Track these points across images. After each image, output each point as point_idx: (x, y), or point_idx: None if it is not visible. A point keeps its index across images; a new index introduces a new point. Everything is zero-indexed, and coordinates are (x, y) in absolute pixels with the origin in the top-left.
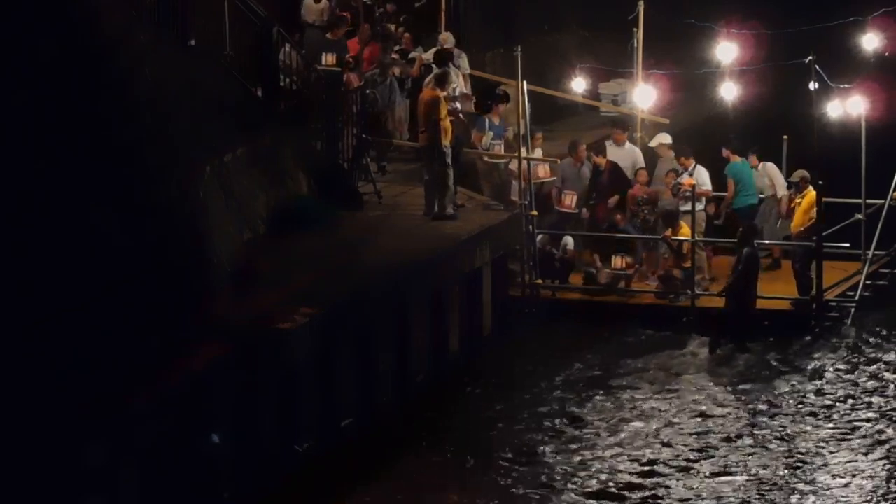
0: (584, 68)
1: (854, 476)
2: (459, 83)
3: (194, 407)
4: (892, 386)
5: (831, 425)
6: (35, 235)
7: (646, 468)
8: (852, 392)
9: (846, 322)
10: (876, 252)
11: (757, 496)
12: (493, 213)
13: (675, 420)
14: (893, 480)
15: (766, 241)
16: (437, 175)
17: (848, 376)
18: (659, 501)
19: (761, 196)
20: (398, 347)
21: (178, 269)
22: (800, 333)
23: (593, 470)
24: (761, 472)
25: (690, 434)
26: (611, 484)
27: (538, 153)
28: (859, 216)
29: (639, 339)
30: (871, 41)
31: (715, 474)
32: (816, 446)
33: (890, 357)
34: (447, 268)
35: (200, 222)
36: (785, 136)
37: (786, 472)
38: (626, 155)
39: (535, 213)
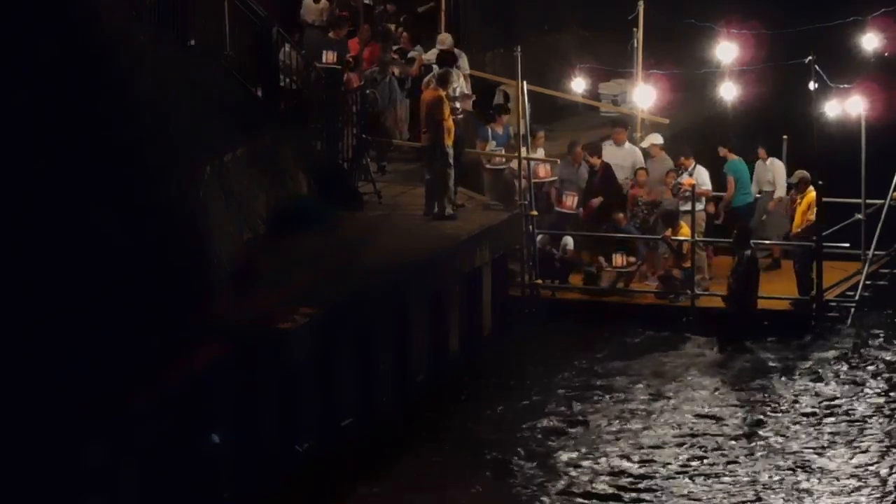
0: (584, 68)
1: (854, 477)
2: (461, 83)
3: (194, 407)
4: (892, 386)
5: (831, 425)
6: (35, 235)
7: (645, 469)
8: (852, 392)
9: (846, 322)
10: (876, 252)
11: (756, 497)
12: (493, 213)
13: (675, 420)
14: (893, 481)
15: (767, 242)
16: (438, 175)
17: (848, 376)
18: (659, 502)
19: (757, 196)
20: (398, 347)
21: (178, 269)
22: (800, 333)
23: (593, 470)
24: (760, 472)
25: (690, 434)
26: (610, 484)
27: (540, 153)
28: (859, 216)
29: (639, 339)
30: (870, 41)
31: (714, 475)
32: (816, 447)
33: (890, 357)
34: (447, 268)
35: (200, 222)
36: (785, 136)
37: (785, 472)
38: (626, 155)
39: (535, 213)
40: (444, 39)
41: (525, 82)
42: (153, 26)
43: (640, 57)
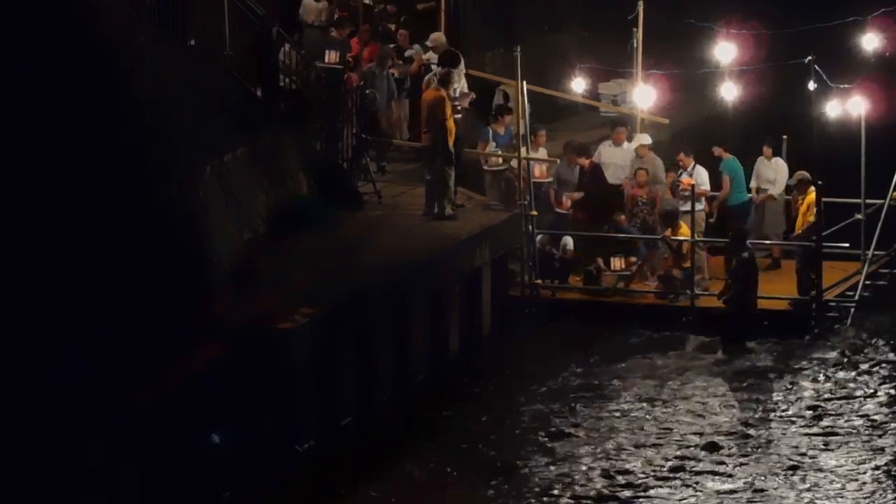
0: (584, 68)
1: (853, 477)
2: (462, 83)
3: (194, 407)
4: (892, 386)
5: (831, 426)
6: (35, 235)
7: (645, 469)
8: (852, 392)
9: (846, 322)
10: (876, 252)
11: (756, 498)
12: (493, 213)
13: (675, 421)
14: (892, 481)
15: (766, 242)
16: (438, 175)
17: (847, 376)
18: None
19: (750, 195)
20: (398, 347)
21: (178, 269)
22: (799, 333)
23: (592, 471)
24: (760, 472)
25: (689, 435)
26: (610, 485)
27: (542, 152)
28: (859, 216)
29: (639, 339)
30: (870, 41)
31: (714, 474)
32: (816, 447)
33: (889, 357)
34: (447, 268)
35: (200, 222)
36: (785, 136)
37: (785, 472)
38: (625, 155)
39: (534, 213)
40: (437, 39)
41: (525, 82)
42: (153, 26)
43: (640, 57)
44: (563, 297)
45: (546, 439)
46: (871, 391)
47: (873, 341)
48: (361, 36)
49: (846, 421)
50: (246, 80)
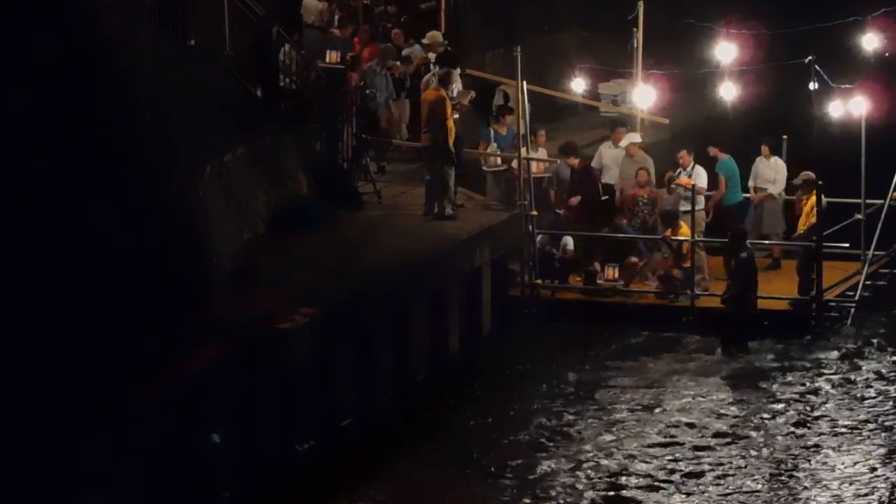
0: (584, 68)
1: (853, 478)
2: (457, 83)
3: (194, 407)
4: (891, 386)
5: (830, 426)
6: (35, 235)
7: (645, 469)
8: (852, 392)
9: (846, 322)
10: (876, 252)
11: (756, 499)
12: (493, 213)
13: (675, 421)
14: (893, 482)
15: (766, 242)
16: (438, 175)
17: (847, 376)
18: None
19: (745, 195)
20: (398, 347)
21: (178, 269)
22: (800, 333)
23: (592, 471)
24: (760, 473)
25: (689, 435)
26: (610, 485)
27: (541, 152)
28: (859, 216)
29: (639, 339)
30: (871, 41)
31: (713, 475)
32: (815, 447)
33: (890, 357)
34: (447, 268)
35: (200, 222)
36: (785, 136)
37: (784, 473)
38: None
39: (534, 213)
40: (434, 37)
41: (525, 82)
42: (153, 26)
43: (640, 57)
44: (563, 297)
45: (546, 440)
46: (872, 391)
47: (873, 341)
48: (361, 36)
49: (846, 421)
50: (246, 80)
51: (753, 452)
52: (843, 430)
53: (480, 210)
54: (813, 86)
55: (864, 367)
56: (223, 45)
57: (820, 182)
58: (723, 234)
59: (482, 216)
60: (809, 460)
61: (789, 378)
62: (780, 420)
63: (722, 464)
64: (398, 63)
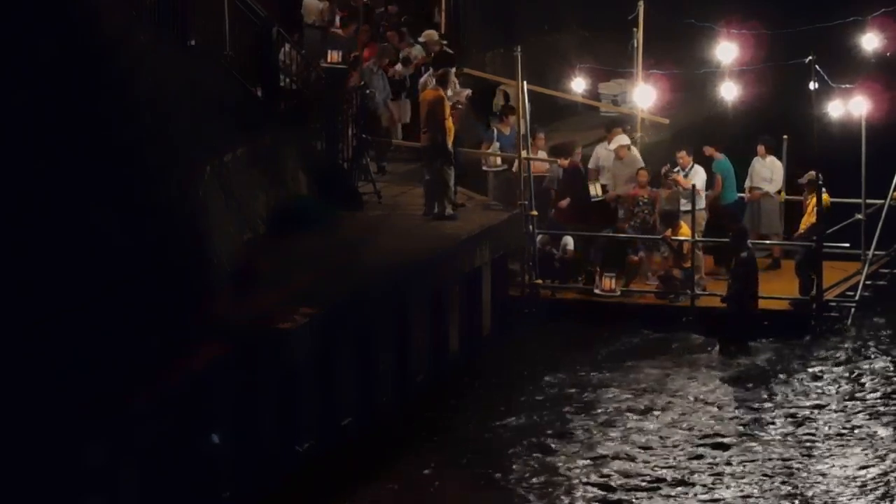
0: (584, 68)
1: (853, 478)
2: (455, 82)
3: (194, 407)
4: (891, 386)
5: (830, 426)
6: (35, 235)
7: (645, 469)
8: (852, 392)
9: (846, 322)
10: (876, 252)
11: (756, 499)
12: (493, 213)
13: (674, 421)
14: (892, 481)
15: (766, 242)
16: (438, 174)
17: (847, 376)
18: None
19: (740, 194)
20: (398, 347)
21: (178, 269)
22: (800, 333)
23: (591, 472)
24: (760, 474)
25: (689, 435)
26: (610, 485)
27: (542, 155)
28: (859, 216)
29: (638, 339)
30: (871, 41)
31: (713, 474)
32: (815, 447)
33: (890, 357)
34: (447, 268)
35: (200, 222)
36: (785, 136)
37: (784, 474)
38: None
39: (535, 213)
40: (430, 36)
41: (525, 82)
42: (153, 26)
43: (640, 57)
44: (563, 297)
45: (546, 440)
46: (872, 391)
47: (873, 341)
48: (361, 36)
49: (846, 422)
50: (246, 80)
51: (753, 453)
52: (844, 430)
53: (480, 210)
54: (813, 86)
55: (864, 367)
56: (223, 45)
57: (820, 182)
58: (719, 233)
59: (482, 216)
60: (809, 460)
61: (789, 378)
62: (780, 420)
63: (722, 464)
64: (398, 66)
